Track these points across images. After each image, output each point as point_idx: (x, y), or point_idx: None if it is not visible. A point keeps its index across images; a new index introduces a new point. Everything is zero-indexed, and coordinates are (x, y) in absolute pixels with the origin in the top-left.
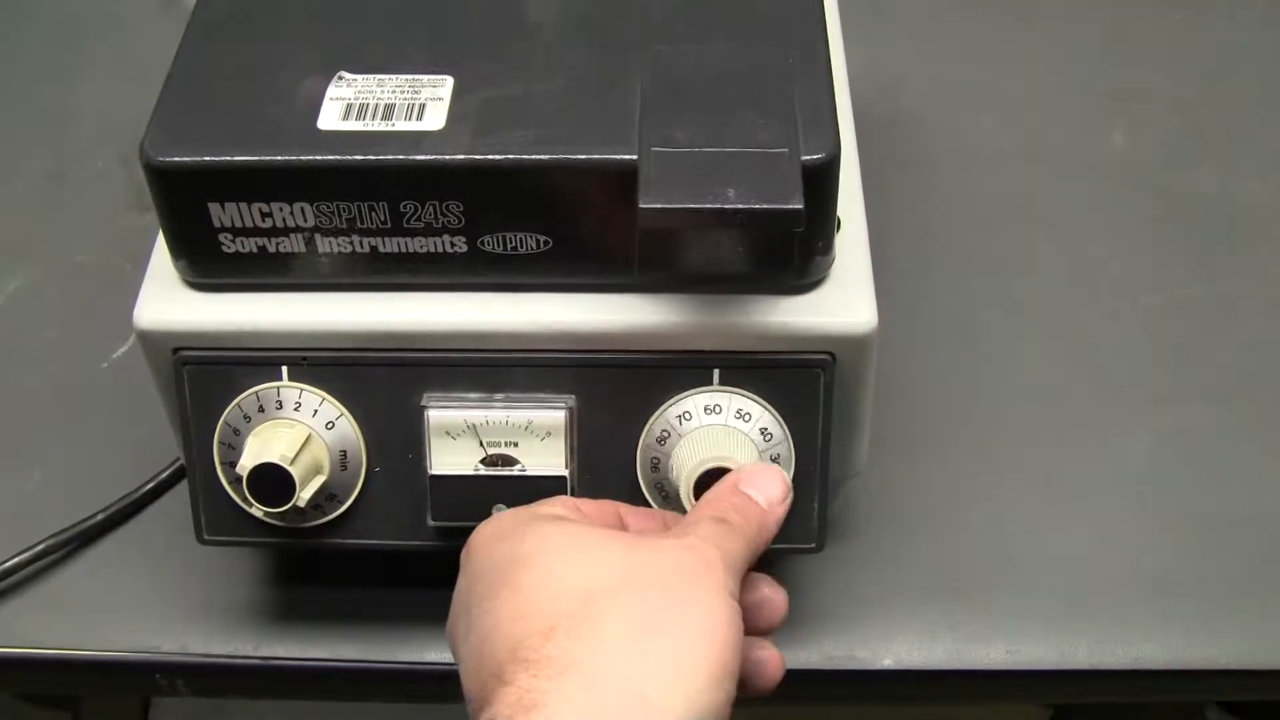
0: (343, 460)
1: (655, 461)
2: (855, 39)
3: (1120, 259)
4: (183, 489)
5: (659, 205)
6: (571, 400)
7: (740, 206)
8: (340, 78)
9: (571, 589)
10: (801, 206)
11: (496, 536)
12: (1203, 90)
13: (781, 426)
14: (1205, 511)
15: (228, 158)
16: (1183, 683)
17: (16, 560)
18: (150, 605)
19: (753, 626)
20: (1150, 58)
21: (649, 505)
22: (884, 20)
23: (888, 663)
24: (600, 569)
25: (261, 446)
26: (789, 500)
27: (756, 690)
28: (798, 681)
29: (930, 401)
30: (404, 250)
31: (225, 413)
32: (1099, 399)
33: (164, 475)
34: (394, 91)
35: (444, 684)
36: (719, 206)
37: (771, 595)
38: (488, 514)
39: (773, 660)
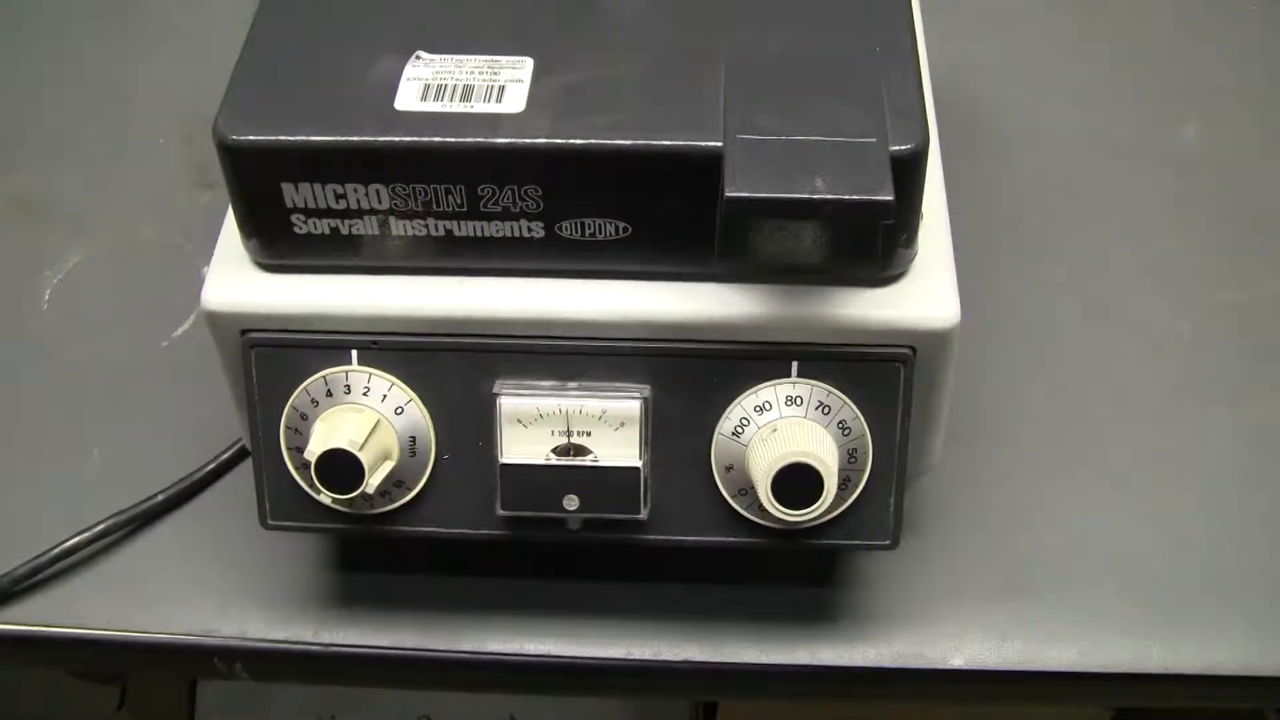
0: (412, 446)
1: (731, 453)
2: (930, 25)
3: (1194, 254)
4: (243, 470)
5: (746, 194)
6: (647, 390)
7: (829, 197)
8: (418, 57)
9: None
10: (892, 198)
11: None
12: (1277, 83)
13: (860, 420)
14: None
15: (303, 138)
16: (1256, 688)
17: (76, 540)
18: (209, 588)
19: None
20: (1225, 51)
21: (723, 497)
22: (959, 7)
23: (957, 662)
24: None
25: (330, 431)
26: None
27: None
28: (865, 680)
29: (1001, 395)
30: (480, 234)
31: (293, 396)
32: (1172, 396)
33: (225, 456)
34: (473, 73)
35: (504, 673)
36: (807, 196)
37: None
38: (558, 505)
39: None
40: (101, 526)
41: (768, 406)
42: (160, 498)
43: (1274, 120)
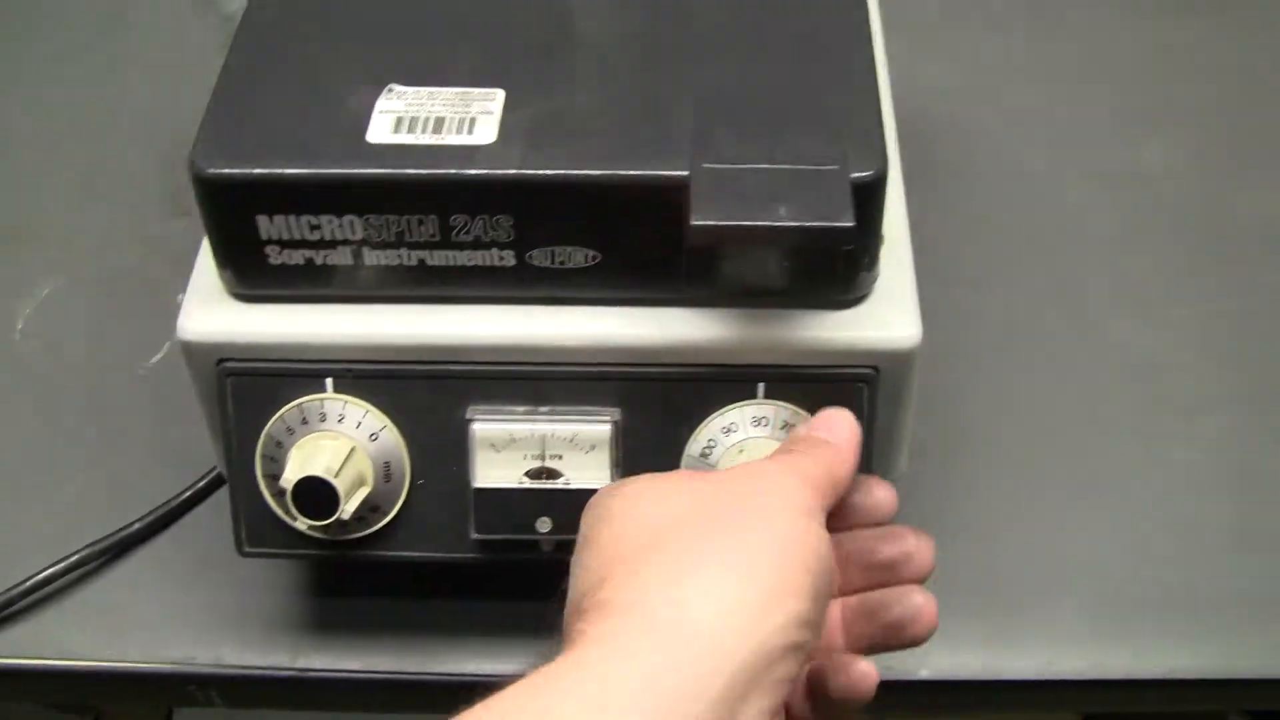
0: (386, 472)
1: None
2: (893, 50)
3: (1156, 271)
4: (220, 498)
5: (711, 222)
6: (617, 413)
7: (792, 224)
8: (390, 90)
9: (634, 534)
10: (853, 224)
11: (599, 494)
12: (1236, 102)
13: None
14: (1244, 520)
15: (277, 170)
16: (1217, 692)
17: (52, 570)
18: (185, 615)
19: (896, 579)
20: (1185, 69)
21: None
22: (922, 33)
23: (924, 673)
24: (664, 509)
25: (305, 459)
26: (858, 438)
27: (911, 639)
28: None
29: (967, 411)
30: (452, 263)
31: (269, 424)
32: (1135, 409)
33: (201, 484)
34: (444, 104)
35: (482, 696)
36: (771, 224)
37: (917, 546)
38: (531, 528)
39: (928, 609)
40: (77, 556)
41: (734, 428)
42: (136, 526)
43: (1235, 137)
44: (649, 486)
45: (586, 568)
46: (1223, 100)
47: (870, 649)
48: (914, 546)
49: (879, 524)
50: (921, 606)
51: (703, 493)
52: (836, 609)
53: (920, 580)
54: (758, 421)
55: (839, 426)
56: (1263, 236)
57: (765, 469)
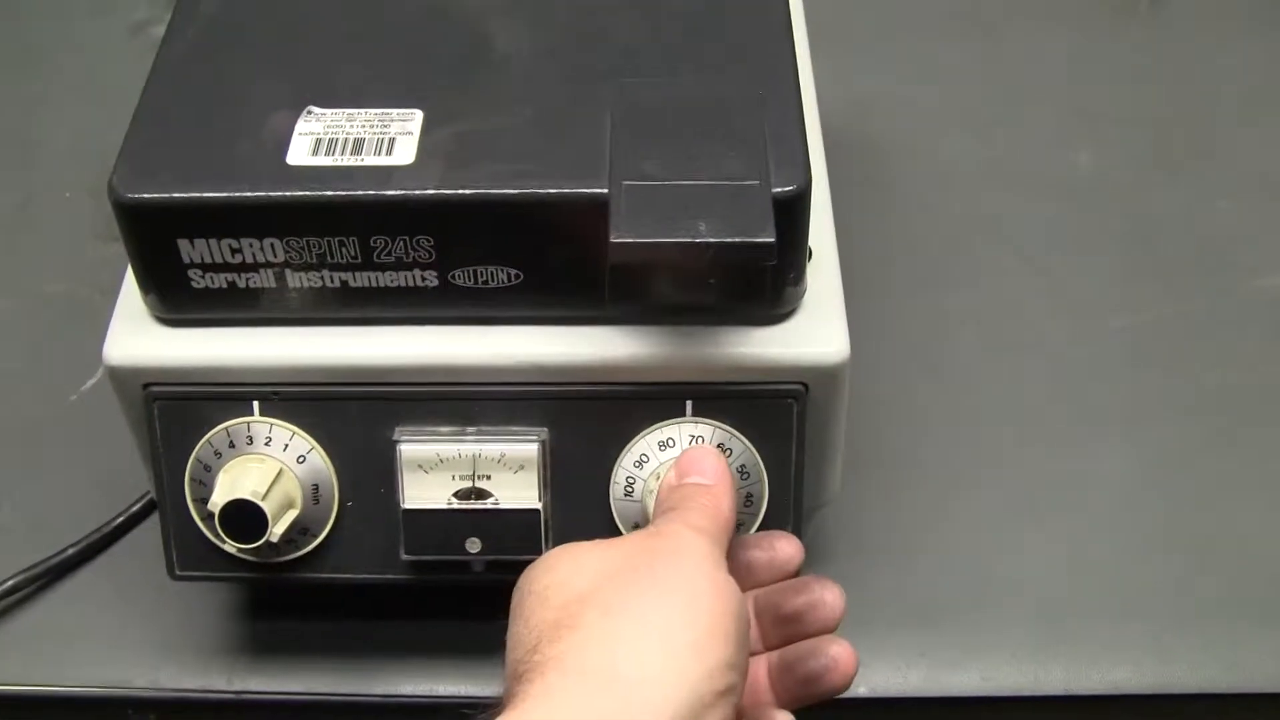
0: (315, 494)
1: (630, 490)
2: (821, 59)
3: (1089, 279)
4: (154, 522)
5: (630, 239)
6: (544, 433)
7: (711, 240)
8: (309, 112)
9: (559, 602)
10: (773, 239)
11: (523, 573)
12: (1167, 109)
13: (759, 465)
14: (1179, 531)
15: (197, 194)
16: (1157, 706)
17: None
18: (122, 640)
19: (807, 630)
20: (1116, 77)
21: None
22: (849, 41)
23: (862, 691)
24: (583, 575)
25: (233, 482)
26: (728, 473)
27: (830, 689)
28: None
29: (900, 424)
30: (374, 285)
31: (196, 448)
32: (1070, 420)
33: (135, 508)
34: (363, 126)
35: (418, 716)
36: (690, 240)
37: (821, 595)
38: (460, 548)
39: (843, 659)
40: (11, 582)
41: (671, 443)
42: (71, 551)
43: (1165, 145)
44: (567, 553)
45: (518, 638)
46: (1155, 106)
47: (797, 702)
48: (820, 595)
49: (787, 577)
50: (837, 657)
51: (619, 555)
52: (762, 666)
53: (832, 627)
54: (695, 440)
55: (707, 466)
56: (1195, 245)
57: (667, 531)
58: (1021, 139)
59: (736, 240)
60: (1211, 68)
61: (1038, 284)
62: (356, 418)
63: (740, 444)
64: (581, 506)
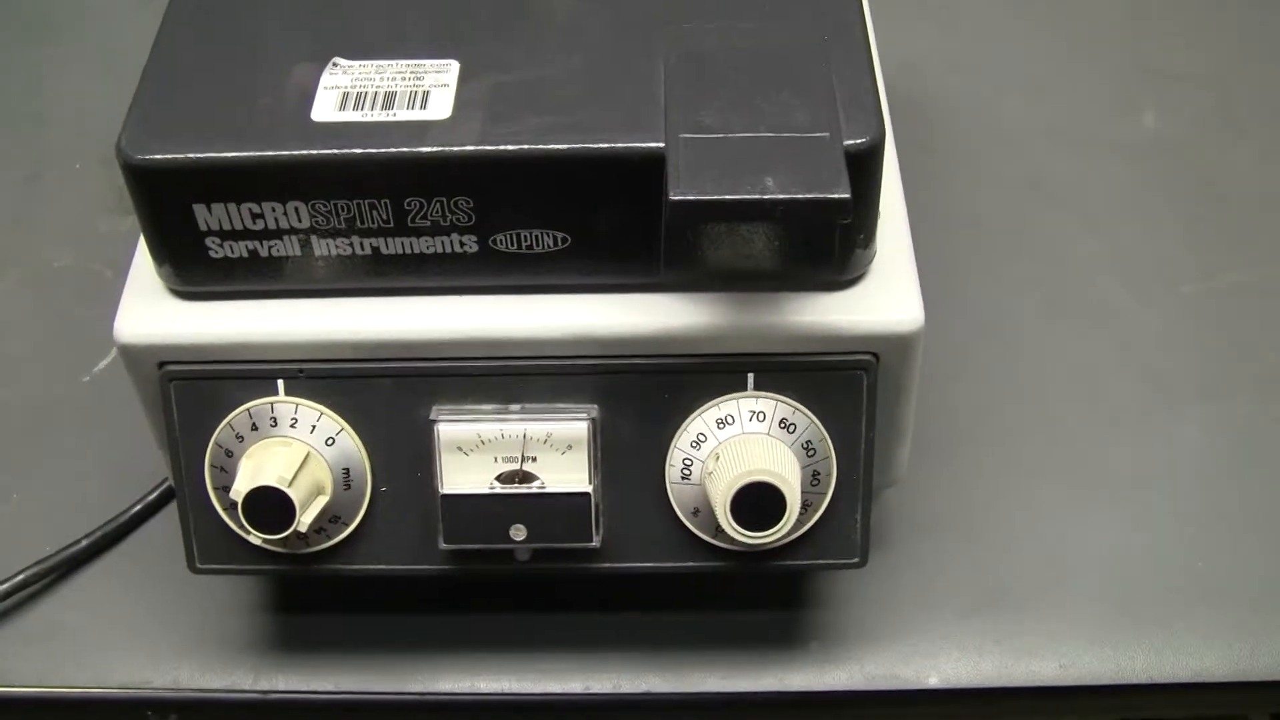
0: (346, 479)
1: (687, 472)
2: (879, 25)
3: (1157, 245)
4: (171, 511)
5: (691, 197)
6: (594, 410)
7: (781, 196)
8: (335, 64)
9: None
10: (848, 195)
11: None
12: (1233, 68)
13: (826, 441)
14: (1260, 510)
15: (213, 154)
16: (1245, 694)
17: None
18: (140, 637)
19: None
20: (1178, 37)
21: (680, 520)
22: (906, 7)
23: (933, 681)
24: None
25: (257, 468)
26: None
27: None
28: (838, 705)
29: (965, 400)
30: (409, 251)
31: (217, 431)
32: (1142, 393)
33: (152, 497)
34: (394, 78)
35: (456, 714)
36: (758, 197)
37: None
38: (504, 536)
39: None
40: (22, 576)
41: (730, 421)
42: (84, 543)
43: (1230, 105)
44: None
45: None
46: (1218, 67)
47: None
48: None
49: None
50: None
51: None
52: None
53: None
54: (755, 416)
55: None
56: (1266, 207)
57: None
58: (1084, 101)
59: (808, 197)
60: (1274, 24)
61: (1106, 250)
62: (390, 396)
63: (805, 419)
64: (635, 490)
